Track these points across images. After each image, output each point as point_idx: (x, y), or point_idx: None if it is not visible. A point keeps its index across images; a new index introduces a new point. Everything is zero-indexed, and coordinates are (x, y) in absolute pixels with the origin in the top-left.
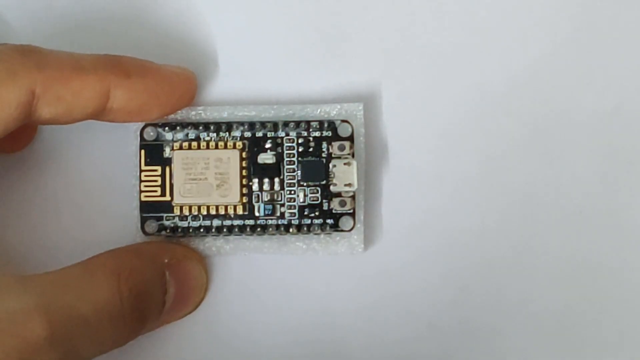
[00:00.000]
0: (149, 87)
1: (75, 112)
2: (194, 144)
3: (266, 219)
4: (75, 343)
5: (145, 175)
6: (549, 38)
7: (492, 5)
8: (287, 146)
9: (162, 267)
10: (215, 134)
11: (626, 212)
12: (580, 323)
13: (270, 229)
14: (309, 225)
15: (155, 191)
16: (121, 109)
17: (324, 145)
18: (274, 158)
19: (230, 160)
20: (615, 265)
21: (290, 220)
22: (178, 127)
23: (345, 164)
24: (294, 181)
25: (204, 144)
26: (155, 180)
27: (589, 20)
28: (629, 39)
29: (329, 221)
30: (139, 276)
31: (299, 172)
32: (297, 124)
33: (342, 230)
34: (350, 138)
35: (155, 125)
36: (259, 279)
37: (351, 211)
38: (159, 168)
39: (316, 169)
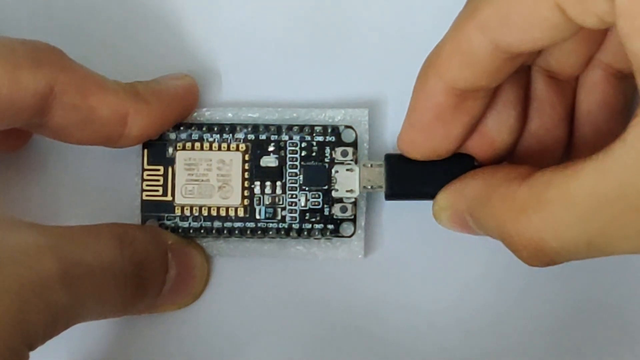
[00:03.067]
0: (164, 111)
1: (89, 128)
2: (197, 144)
3: (267, 222)
4: (82, 291)
5: (148, 175)
6: None
7: None
8: (290, 150)
9: (165, 246)
10: (218, 135)
11: None
12: (580, 322)
13: (271, 233)
14: (309, 230)
15: (157, 191)
16: (139, 135)
17: (327, 150)
18: (277, 161)
19: (232, 162)
20: (615, 263)
21: (291, 224)
22: (182, 127)
23: (347, 170)
24: (296, 185)
25: (207, 145)
26: (158, 180)
27: None
28: None
29: (330, 226)
30: (141, 246)
31: (301, 176)
32: (301, 128)
33: (342, 236)
34: (354, 144)
35: None
36: (259, 281)
37: (352, 217)
38: (161, 168)
39: (318, 174)
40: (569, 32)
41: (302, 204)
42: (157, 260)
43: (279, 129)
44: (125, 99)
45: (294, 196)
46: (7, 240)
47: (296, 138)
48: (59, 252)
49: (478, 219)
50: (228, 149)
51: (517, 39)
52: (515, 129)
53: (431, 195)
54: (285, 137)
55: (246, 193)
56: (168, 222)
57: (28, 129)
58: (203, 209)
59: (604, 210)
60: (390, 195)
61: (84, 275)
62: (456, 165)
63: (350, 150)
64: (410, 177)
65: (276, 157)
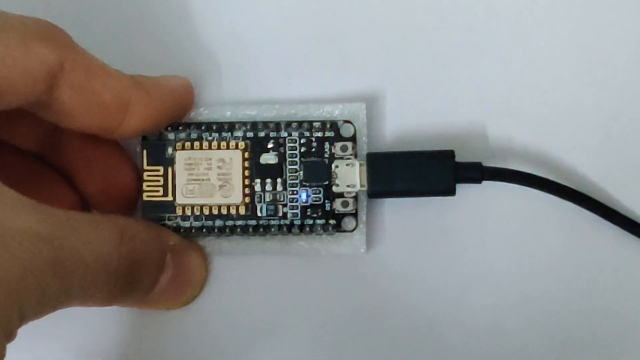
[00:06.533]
0: (164, 104)
1: (92, 112)
2: (197, 143)
3: (268, 220)
4: (71, 281)
5: (148, 175)
6: (549, 38)
7: (492, 5)
8: (289, 146)
9: (166, 247)
10: (217, 134)
11: (626, 211)
12: (580, 323)
13: (273, 230)
14: (311, 226)
15: (158, 191)
16: (138, 125)
17: (327, 145)
18: (277, 158)
19: (232, 160)
20: (615, 263)
21: (293, 220)
22: (180, 127)
23: (347, 164)
24: (297, 181)
25: (207, 144)
26: (158, 180)
27: (589, 21)
28: (629, 39)
29: (332, 222)
30: (140, 244)
31: (302, 172)
32: (300, 124)
33: (344, 231)
34: (353, 138)
35: None
36: (261, 279)
37: (353, 212)
38: (161, 168)
39: (319, 170)
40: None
41: (303, 200)
42: (153, 260)
43: (277, 126)
44: (128, 87)
45: (295, 192)
46: (13, 222)
47: (295, 134)
48: (54, 241)
49: None
50: (227, 147)
51: None
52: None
53: (413, 193)
54: (284, 134)
55: (247, 191)
56: (169, 223)
57: (34, 111)
58: (204, 208)
59: None
60: (372, 194)
61: (76, 268)
62: (437, 162)
63: (349, 144)
64: (392, 176)
65: (276, 154)
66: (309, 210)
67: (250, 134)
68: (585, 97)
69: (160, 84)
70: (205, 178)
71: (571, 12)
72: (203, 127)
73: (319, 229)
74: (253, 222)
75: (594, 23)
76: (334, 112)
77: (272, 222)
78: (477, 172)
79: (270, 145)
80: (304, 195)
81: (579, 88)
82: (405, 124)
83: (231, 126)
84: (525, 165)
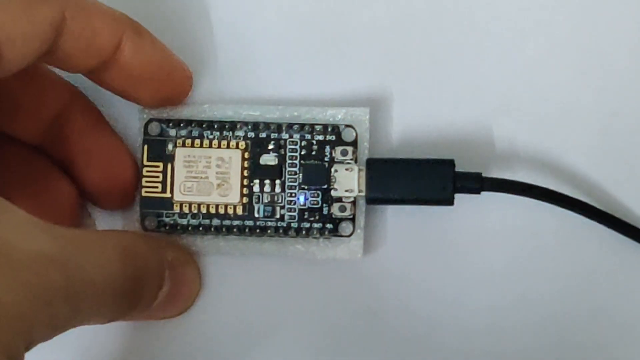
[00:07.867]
0: (155, 54)
1: (90, 55)
2: (197, 141)
3: (265, 221)
4: (81, 303)
5: (147, 171)
6: (549, 38)
7: (493, 5)
8: (289, 148)
9: (165, 263)
10: (218, 133)
11: (625, 214)
12: (580, 325)
13: (269, 231)
14: (308, 229)
15: (157, 187)
16: (126, 64)
17: (327, 149)
18: (276, 160)
19: (232, 160)
20: (614, 265)
21: (290, 223)
22: (182, 124)
23: (347, 169)
24: (295, 184)
25: (207, 142)
26: (157, 176)
27: (589, 20)
28: (629, 39)
29: (329, 226)
30: (142, 261)
31: (301, 175)
32: (301, 126)
33: (341, 235)
34: (354, 143)
35: (159, 120)
36: (257, 280)
37: (351, 217)
38: (160, 164)
39: (318, 173)
40: None
41: (301, 203)
42: (155, 277)
43: (279, 127)
44: (121, 23)
45: (293, 195)
46: (23, 245)
47: (296, 137)
48: (65, 264)
49: None
50: (228, 146)
51: None
52: None
53: (412, 201)
54: (285, 136)
55: (245, 191)
56: (167, 219)
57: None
58: (202, 206)
59: None
60: (370, 200)
61: (85, 289)
62: (437, 171)
63: (350, 149)
64: (391, 183)
65: (276, 156)
66: (306, 213)
67: (251, 134)
68: (586, 97)
69: (155, 38)
70: (203, 176)
71: (571, 13)
72: (204, 125)
73: (315, 232)
74: (250, 223)
75: (594, 23)
76: (337, 115)
77: (269, 224)
78: (477, 183)
79: (270, 147)
80: (302, 198)
81: (579, 87)
82: (408, 128)
83: (232, 125)
84: (530, 167)
